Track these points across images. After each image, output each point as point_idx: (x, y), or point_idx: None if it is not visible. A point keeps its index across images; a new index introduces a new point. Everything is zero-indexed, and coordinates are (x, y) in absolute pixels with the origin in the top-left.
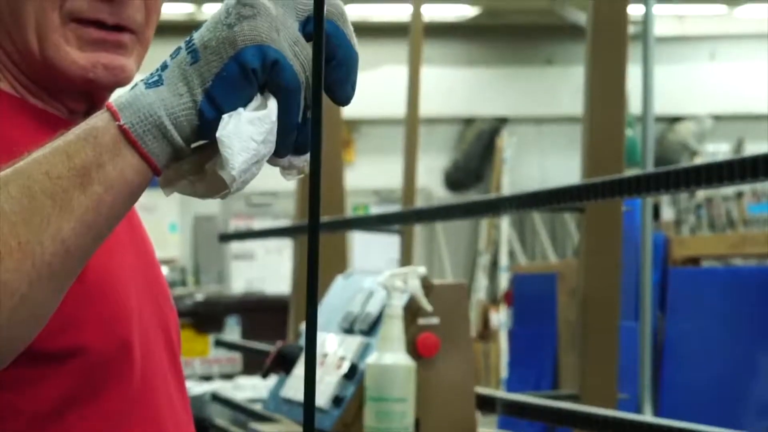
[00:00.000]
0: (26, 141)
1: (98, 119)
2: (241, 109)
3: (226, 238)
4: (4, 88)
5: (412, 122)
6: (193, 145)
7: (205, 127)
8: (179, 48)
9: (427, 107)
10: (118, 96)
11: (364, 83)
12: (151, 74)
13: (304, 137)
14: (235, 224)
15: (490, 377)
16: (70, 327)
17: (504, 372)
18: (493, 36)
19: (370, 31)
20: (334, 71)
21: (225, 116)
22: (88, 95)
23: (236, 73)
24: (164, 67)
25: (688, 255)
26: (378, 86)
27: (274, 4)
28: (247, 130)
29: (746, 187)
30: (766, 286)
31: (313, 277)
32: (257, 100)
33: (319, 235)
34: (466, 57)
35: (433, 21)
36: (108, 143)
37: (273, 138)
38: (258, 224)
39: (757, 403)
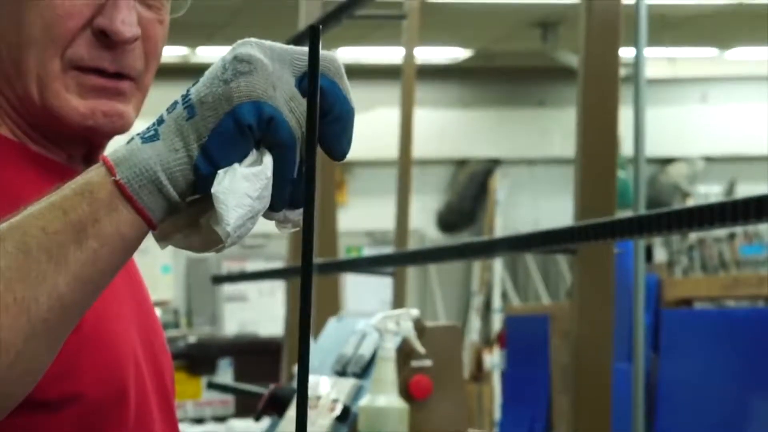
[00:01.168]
0: (25, 186)
1: (94, 174)
2: (236, 165)
3: (219, 280)
4: (4, 134)
5: (404, 164)
6: (188, 199)
7: (201, 182)
8: (176, 102)
9: (419, 149)
10: (114, 150)
11: (357, 125)
12: (148, 129)
13: (300, 192)
14: (228, 266)
15: (483, 419)
16: (67, 375)
17: (497, 414)
18: (486, 78)
19: (363, 73)
20: (330, 127)
21: (220, 172)
22: (88, 141)
23: (232, 129)
24: (160, 121)
25: (680, 297)
26: (371, 128)
27: (271, 60)
28: (242, 186)
29: (739, 229)
30: (758, 328)
31: (305, 317)
32: (253, 155)
33: (312, 281)
34: (459, 99)
35: (425, 63)
36: (104, 198)
37: (268, 193)
38: (251, 266)
39: None
